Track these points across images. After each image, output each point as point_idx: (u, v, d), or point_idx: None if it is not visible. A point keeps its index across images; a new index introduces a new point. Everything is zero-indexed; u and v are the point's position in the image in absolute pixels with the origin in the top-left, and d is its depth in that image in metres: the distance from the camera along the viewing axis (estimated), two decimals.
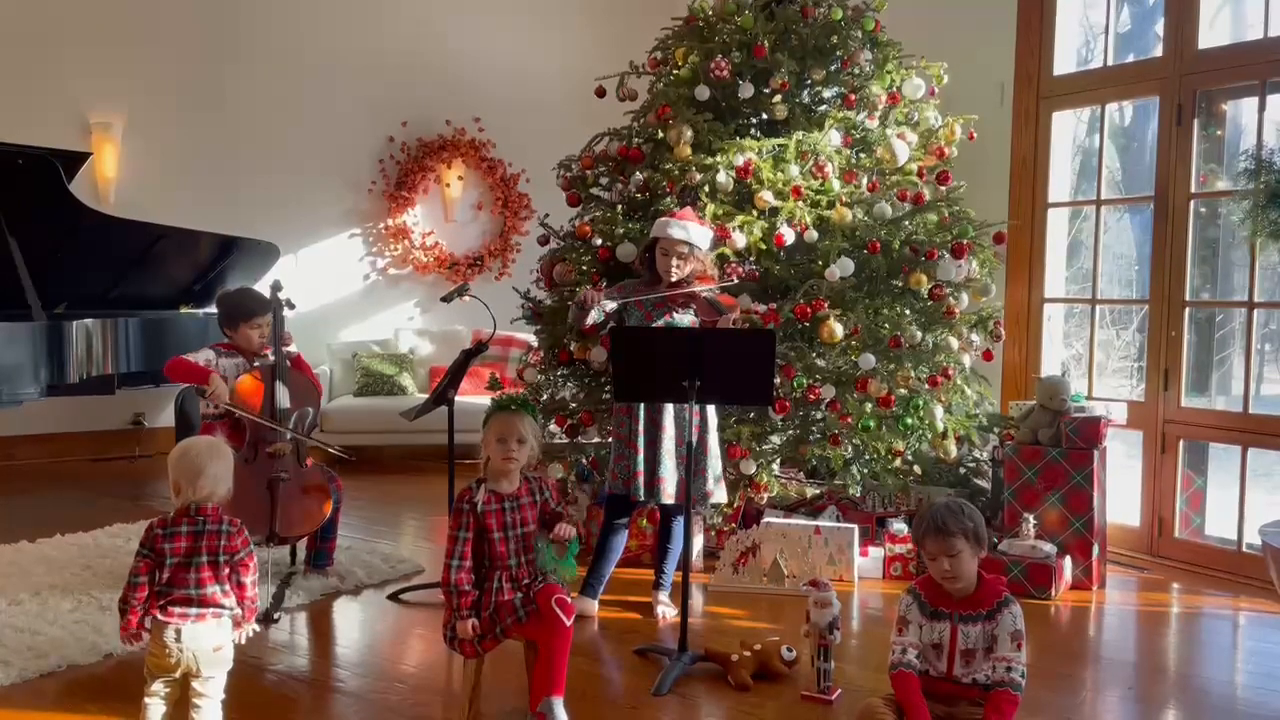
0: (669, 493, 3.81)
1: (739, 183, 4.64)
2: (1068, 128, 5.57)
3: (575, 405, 4.86)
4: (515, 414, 2.95)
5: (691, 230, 3.86)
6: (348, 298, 7.71)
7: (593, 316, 3.81)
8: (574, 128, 5.45)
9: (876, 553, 4.49)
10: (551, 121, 7.36)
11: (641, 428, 3.82)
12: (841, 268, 4.47)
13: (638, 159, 4.92)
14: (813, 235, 4.56)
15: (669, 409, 3.82)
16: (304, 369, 4.30)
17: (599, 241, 4.86)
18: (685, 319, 3.88)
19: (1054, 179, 5.42)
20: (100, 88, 6.79)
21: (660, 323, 3.84)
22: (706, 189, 4.65)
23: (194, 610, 2.62)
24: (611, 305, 3.82)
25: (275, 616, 3.83)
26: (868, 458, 4.59)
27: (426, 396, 4.60)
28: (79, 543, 4.77)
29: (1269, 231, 4.16)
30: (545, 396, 5.00)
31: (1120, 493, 4.90)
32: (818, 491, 4.99)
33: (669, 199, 4.64)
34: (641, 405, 3.82)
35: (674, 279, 3.87)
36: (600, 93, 5.21)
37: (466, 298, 4.47)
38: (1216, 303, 5.24)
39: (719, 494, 3.96)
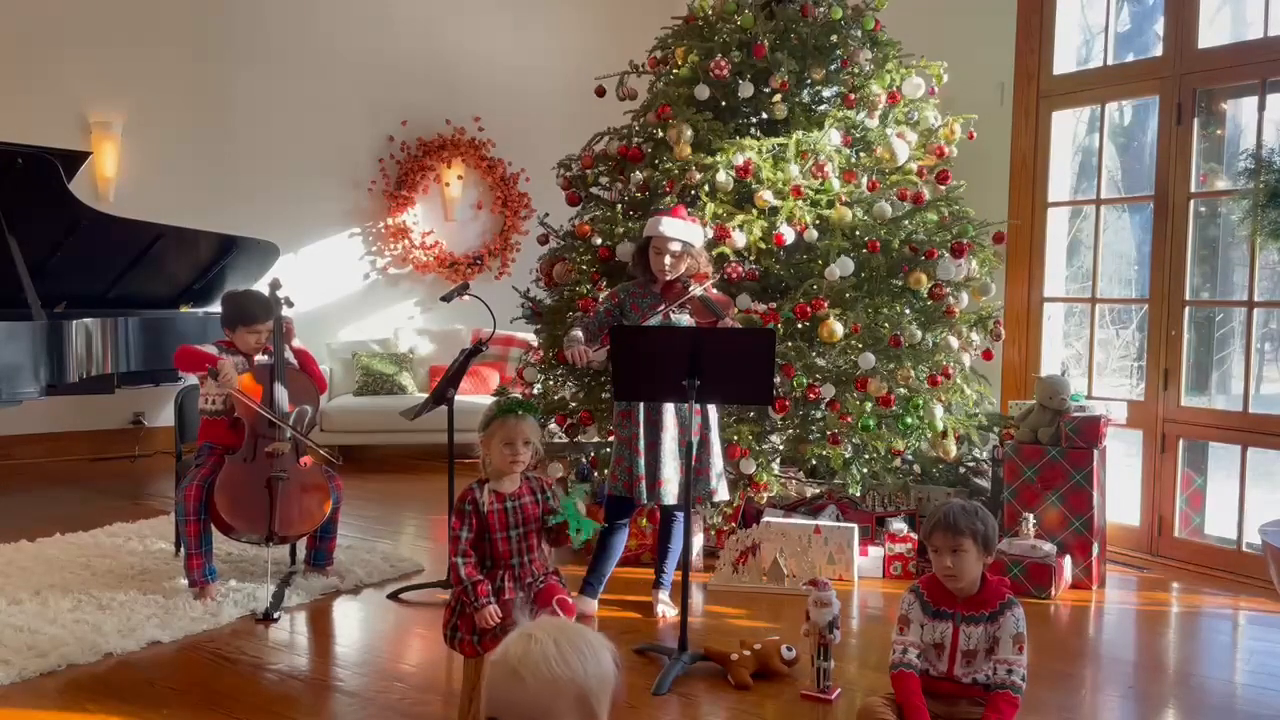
0: (673, 494, 3.80)
1: (739, 182, 4.64)
2: (1068, 127, 5.56)
3: (575, 405, 4.86)
4: (522, 419, 2.97)
5: (684, 228, 3.85)
6: (347, 297, 7.70)
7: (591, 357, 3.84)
8: (574, 127, 5.45)
9: (876, 552, 4.49)
10: (551, 121, 7.38)
11: (642, 429, 3.82)
12: (841, 267, 4.47)
13: (638, 158, 4.92)
14: (812, 235, 4.56)
15: (669, 409, 3.82)
16: (309, 366, 4.30)
17: (599, 241, 4.86)
18: (683, 319, 3.87)
19: (1054, 178, 5.42)
20: (100, 88, 6.78)
21: (654, 322, 3.83)
22: (706, 188, 4.65)
23: None
24: (600, 355, 3.83)
25: (275, 616, 3.83)
26: (868, 457, 4.59)
27: (426, 396, 4.60)
28: (79, 542, 4.77)
29: (1269, 231, 4.16)
30: (542, 395, 5.00)
31: (1120, 492, 4.89)
32: (818, 491, 4.99)
33: (669, 198, 4.64)
34: (641, 406, 3.82)
35: (668, 278, 3.86)
36: (600, 92, 5.21)
37: (466, 297, 4.47)
38: (1216, 302, 5.24)
39: (721, 491, 3.96)
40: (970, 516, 2.65)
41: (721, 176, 4.61)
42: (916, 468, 4.83)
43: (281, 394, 4.09)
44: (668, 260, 3.83)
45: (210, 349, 4.13)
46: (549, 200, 5.93)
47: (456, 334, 7.39)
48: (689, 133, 4.70)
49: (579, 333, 3.92)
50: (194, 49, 7.03)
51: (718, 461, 3.92)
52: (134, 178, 6.84)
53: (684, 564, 3.51)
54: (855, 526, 4.45)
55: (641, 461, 3.81)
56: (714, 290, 3.91)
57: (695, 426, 3.63)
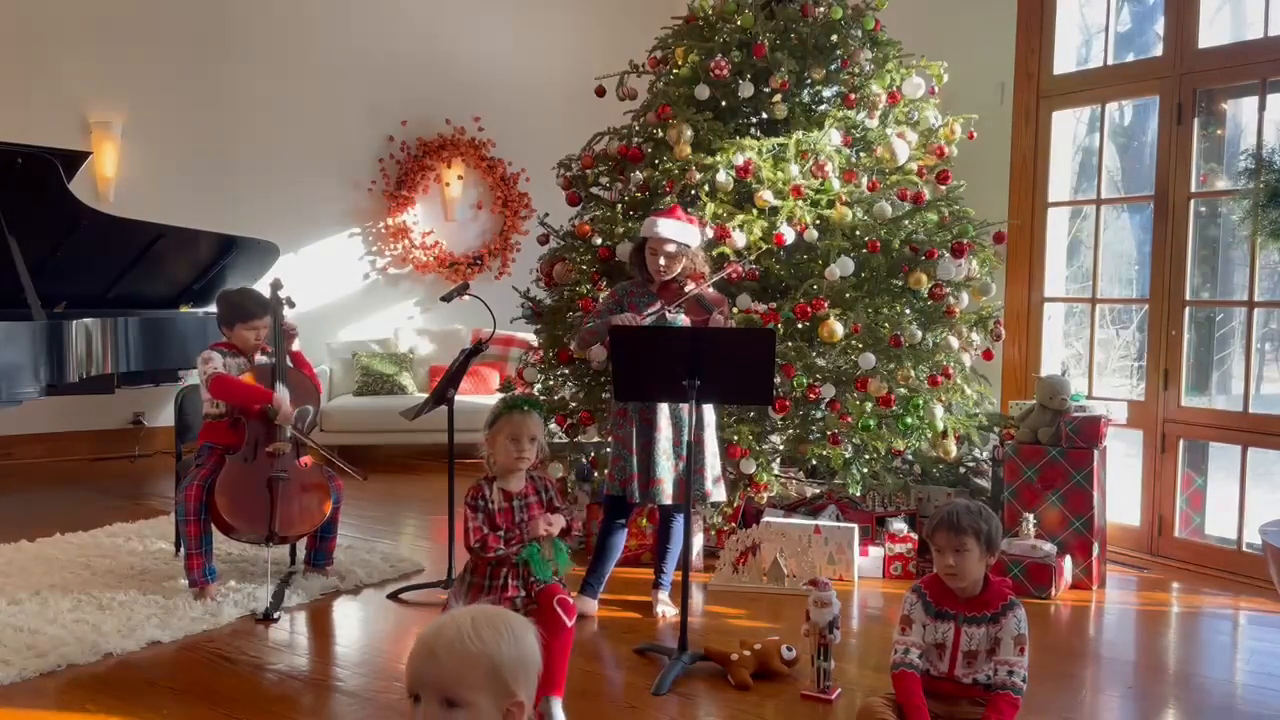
0: (667, 493, 3.80)
1: (739, 182, 4.64)
2: (1068, 127, 5.56)
3: (575, 405, 4.86)
4: (527, 415, 2.99)
5: (680, 229, 3.84)
6: (347, 297, 7.70)
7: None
8: (574, 127, 5.45)
9: (876, 552, 4.48)
10: (551, 121, 7.37)
11: (636, 429, 3.82)
12: (841, 267, 4.47)
13: (638, 158, 4.92)
14: (813, 234, 4.56)
15: (663, 409, 3.82)
16: (304, 366, 4.30)
17: (599, 241, 4.86)
18: (679, 318, 3.87)
19: (1054, 178, 5.42)
20: (100, 87, 6.78)
21: (650, 321, 3.83)
22: (706, 188, 4.65)
23: None
24: (602, 354, 3.80)
25: (275, 616, 3.83)
26: (868, 457, 4.59)
27: (426, 396, 4.60)
28: (79, 542, 4.77)
29: (1269, 231, 4.15)
30: (544, 394, 4.99)
31: (1120, 492, 4.89)
32: (818, 491, 4.99)
33: (669, 198, 4.64)
34: (635, 406, 3.82)
35: (664, 278, 3.86)
36: (600, 92, 5.21)
37: (466, 297, 4.47)
38: (1216, 302, 5.24)
39: (718, 493, 3.95)
40: (974, 516, 2.66)
41: (721, 176, 4.60)
42: (916, 468, 4.83)
43: (283, 393, 4.09)
44: (663, 261, 3.83)
45: (216, 356, 4.10)
46: (549, 200, 5.93)
47: (456, 334, 7.39)
48: (689, 133, 4.70)
49: (594, 325, 3.92)
50: (194, 49, 7.03)
51: (714, 463, 3.91)
52: (134, 178, 6.84)
53: (684, 564, 3.51)
54: (855, 526, 4.44)
55: (634, 461, 3.81)
56: (710, 289, 3.91)
57: (690, 427, 3.62)
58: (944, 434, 4.64)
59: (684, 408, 3.76)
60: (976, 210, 4.92)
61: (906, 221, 4.72)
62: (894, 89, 4.90)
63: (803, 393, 4.44)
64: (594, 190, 5.17)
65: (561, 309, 4.95)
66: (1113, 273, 6.18)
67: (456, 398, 4.28)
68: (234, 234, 6.20)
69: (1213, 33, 4.85)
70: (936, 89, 5.06)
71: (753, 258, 4.57)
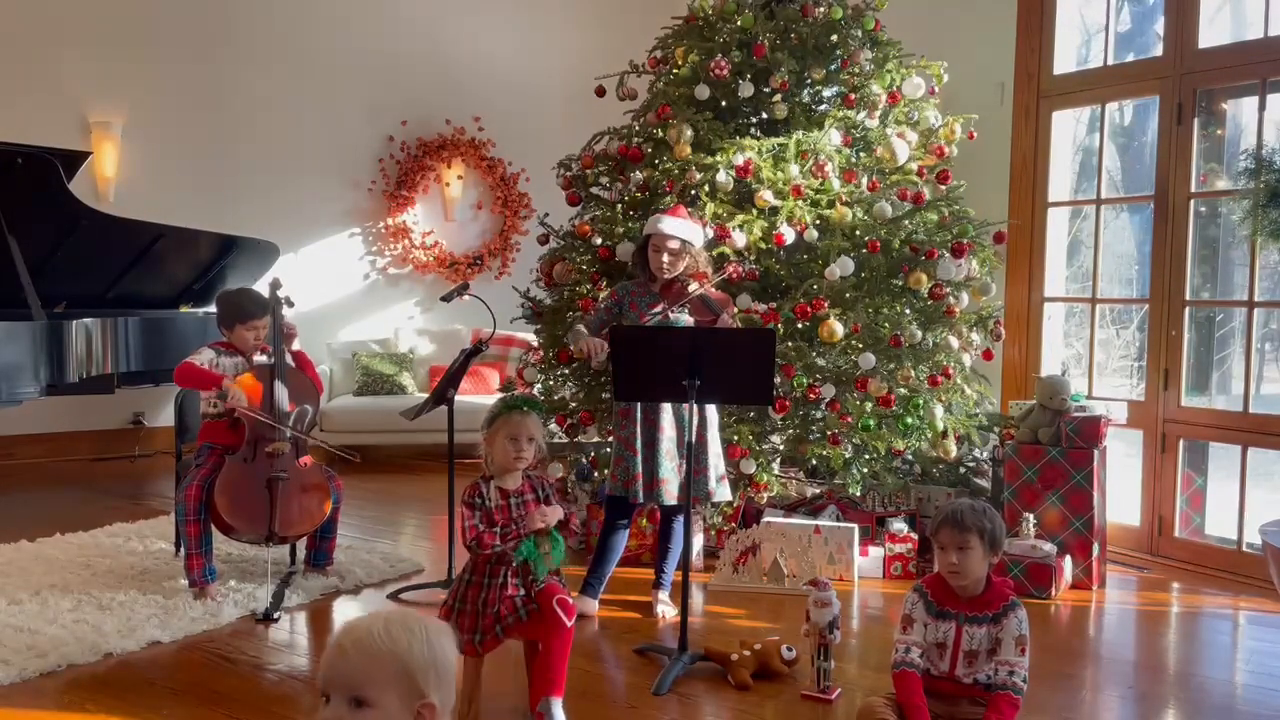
0: (671, 494, 3.80)
1: (739, 182, 4.64)
2: (1068, 127, 5.56)
3: (575, 405, 4.86)
4: (526, 415, 2.99)
5: (683, 227, 3.85)
6: (347, 297, 7.70)
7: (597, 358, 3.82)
8: (574, 127, 5.46)
9: (876, 552, 4.48)
10: (551, 121, 7.38)
11: (639, 429, 3.82)
12: (841, 267, 4.47)
13: (638, 158, 4.92)
14: (813, 234, 4.56)
15: (666, 409, 3.82)
16: (306, 367, 4.30)
17: (599, 240, 4.86)
18: (682, 318, 3.87)
19: (1054, 178, 5.42)
20: (100, 88, 6.78)
21: (653, 321, 3.83)
22: (706, 188, 4.65)
23: None
24: (602, 355, 3.80)
25: (275, 616, 3.83)
26: (868, 457, 4.59)
27: (426, 396, 4.60)
28: (79, 542, 4.76)
29: (1269, 231, 4.16)
30: (544, 394, 5.00)
31: (1120, 492, 4.89)
32: (818, 491, 4.99)
33: (669, 198, 4.64)
34: (639, 406, 3.82)
35: (666, 276, 3.86)
36: (600, 92, 5.21)
37: (466, 297, 4.47)
38: (1216, 302, 5.24)
39: (722, 493, 3.94)
40: (978, 515, 2.67)
41: (721, 176, 4.61)
42: (917, 468, 4.83)
43: (282, 393, 4.09)
44: (666, 258, 3.83)
45: (208, 352, 4.12)
46: (549, 200, 5.93)
47: (456, 334, 7.39)
48: (689, 133, 4.70)
49: (583, 329, 3.93)
50: (194, 49, 7.03)
51: (718, 462, 3.91)
52: (134, 178, 6.84)
53: (684, 564, 3.51)
54: (855, 526, 4.44)
55: (639, 461, 3.81)
56: (713, 289, 3.92)
57: (693, 426, 3.62)
58: (944, 434, 4.64)
59: (686, 407, 3.76)
60: (976, 210, 4.92)
61: (906, 221, 4.72)
62: (894, 89, 4.90)
63: (803, 393, 4.44)
64: (594, 190, 5.17)
65: (561, 309, 4.95)
66: (1113, 273, 6.18)
67: (456, 398, 4.28)
68: (234, 234, 6.20)
69: (1213, 33, 4.85)
70: (936, 89, 5.06)
71: (752, 258, 4.57)
